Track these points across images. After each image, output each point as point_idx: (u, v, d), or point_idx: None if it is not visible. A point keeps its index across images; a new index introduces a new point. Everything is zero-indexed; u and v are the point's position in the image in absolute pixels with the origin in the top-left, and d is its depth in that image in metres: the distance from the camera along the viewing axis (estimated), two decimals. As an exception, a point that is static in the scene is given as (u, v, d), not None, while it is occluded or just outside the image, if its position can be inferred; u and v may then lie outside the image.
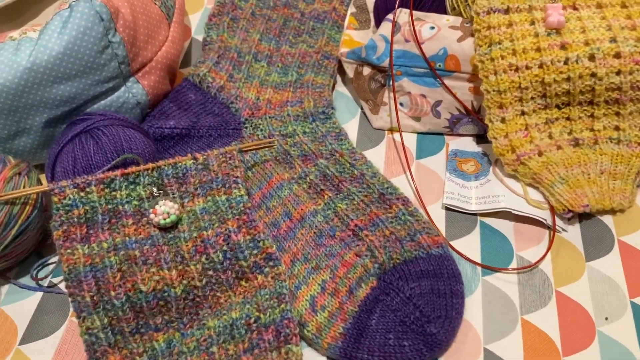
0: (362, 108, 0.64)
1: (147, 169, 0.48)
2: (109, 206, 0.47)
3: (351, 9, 0.70)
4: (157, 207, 0.46)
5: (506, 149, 0.54)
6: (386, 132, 0.62)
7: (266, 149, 0.56)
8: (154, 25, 0.58)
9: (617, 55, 0.51)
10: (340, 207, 0.51)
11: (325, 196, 0.52)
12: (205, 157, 0.49)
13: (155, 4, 0.59)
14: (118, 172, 0.47)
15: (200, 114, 0.60)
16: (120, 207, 0.47)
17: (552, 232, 0.51)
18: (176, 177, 0.49)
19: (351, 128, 0.63)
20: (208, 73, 0.62)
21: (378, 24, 0.66)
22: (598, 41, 0.51)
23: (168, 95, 0.61)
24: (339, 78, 0.67)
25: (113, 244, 0.45)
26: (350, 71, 0.63)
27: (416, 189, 0.56)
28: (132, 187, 0.48)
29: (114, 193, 0.47)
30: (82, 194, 0.46)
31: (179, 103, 0.61)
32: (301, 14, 0.71)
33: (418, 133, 0.61)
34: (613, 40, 0.51)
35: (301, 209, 0.51)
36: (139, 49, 0.56)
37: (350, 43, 0.65)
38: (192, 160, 0.49)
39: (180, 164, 0.49)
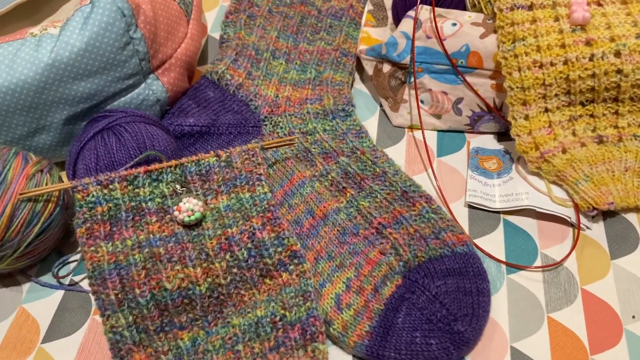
0: (381, 106, 0.64)
1: (170, 166, 0.48)
2: (132, 203, 0.46)
3: (368, 7, 0.69)
4: (180, 204, 0.46)
5: (530, 147, 0.53)
6: (406, 129, 0.61)
7: (287, 146, 0.55)
8: (173, 22, 0.57)
9: (644, 51, 0.50)
10: (363, 204, 0.51)
11: (348, 194, 0.52)
12: (228, 154, 0.49)
13: (175, 0, 0.59)
14: (141, 169, 0.47)
15: (219, 111, 0.60)
16: (144, 204, 0.46)
17: (576, 230, 0.51)
18: (199, 174, 0.48)
19: (370, 126, 0.62)
20: (226, 70, 0.62)
21: (397, 21, 0.65)
22: (624, 37, 0.51)
23: (187, 93, 0.61)
24: (357, 76, 0.67)
25: (137, 242, 0.45)
26: (369, 68, 0.63)
27: (438, 186, 0.55)
28: (155, 184, 0.47)
29: (137, 190, 0.47)
30: (105, 191, 0.46)
31: (198, 100, 0.60)
32: (318, 12, 0.71)
33: (439, 131, 0.61)
34: (639, 36, 0.51)
35: (323, 207, 0.51)
36: (159, 45, 0.55)
37: (368, 40, 0.65)
38: (215, 158, 0.49)
39: (203, 161, 0.48)
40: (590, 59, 0.51)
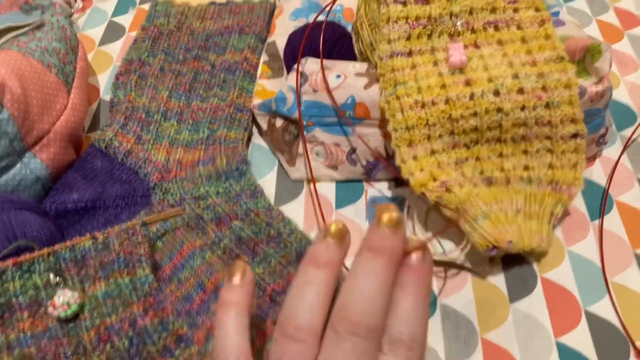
0: (279, 160, 0.62)
1: (43, 255, 0.45)
2: (1, 300, 0.43)
3: (264, 57, 0.69)
4: (55, 298, 0.43)
5: (427, 178, 0.52)
6: (305, 183, 0.60)
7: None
8: (49, 95, 0.55)
9: (521, 91, 0.51)
10: (256, 271, 0.49)
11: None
12: (105, 235, 0.46)
13: (50, 71, 0.56)
14: (9, 261, 0.44)
15: (107, 182, 0.57)
16: (14, 299, 0.44)
17: (474, 275, 0.51)
18: (74, 261, 0.46)
19: (269, 181, 0.61)
20: (114, 137, 0.60)
21: (289, 72, 0.65)
22: (501, 77, 0.51)
23: (73, 165, 0.58)
24: (255, 130, 0.66)
25: (6, 343, 0.42)
26: (263, 123, 0.62)
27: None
28: (26, 276, 0.44)
29: (6, 285, 0.44)
30: (-31, 291, 0.43)
31: (85, 172, 0.58)
32: (212, 66, 0.70)
33: (337, 182, 0.60)
34: (515, 76, 0.51)
35: (215, 279, 0.49)
36: (33, 122, 0.53)
37: (264, 93, 0.64)
38: (91, 241, 0.46)
39: (78, 245, 0.46)
40: (471, 98, 0.51)
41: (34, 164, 0.53)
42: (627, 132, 0.63)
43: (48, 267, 0.45)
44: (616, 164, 0.59)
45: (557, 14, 0.65)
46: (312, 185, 0.59)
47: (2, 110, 0.49)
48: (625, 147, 0.61)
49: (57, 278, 0.45)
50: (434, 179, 0.51)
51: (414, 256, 0.33)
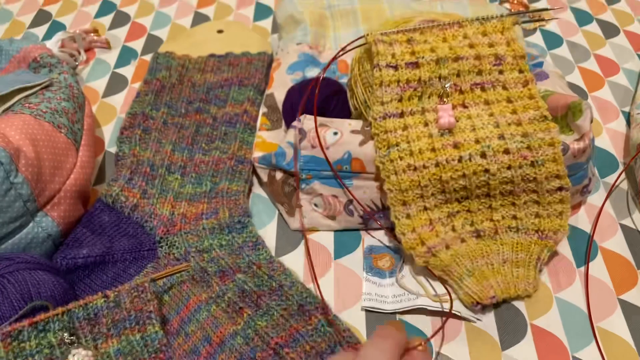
0: (279, 210, 0.65)
1: (57, 314, 0.47)
2: (18, 359, 0.45)
3: (262, 109, 0.72)
4: (70, 357, 0.45)
5: (416, 242, 0.56)
6: (304, 233, 0.63)
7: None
8: (60, 155, 0.58)
9: (506, 152, 0.54)
10: (260, 324, 0.51)
11: (245, 314, 0.52)
12: (116, 293, 0.49)
13: (61, 132, 0.59)
14: (26, 322, 0.46)
15: (114, 236, 0.60)
16: (30, 358, 0.46)
17: (468, 323, 0.53)
18: (87, 319, 0.48)
19: (270, 231, 0.63)
20: (121, 192, 0.62)
21: (287, 126, 0.68)
22: (487, 139, 0.54)
23: (81, 220, 0.61)
24: (255, 180, 0.69)
25: (23, 402, 0.44)
26: (263, 175, 0.65)
27: (320, 293, 0.56)
28: (42, 335, 0.47)
29: (22, 345, 0.46)
30: (-13, 351, 0.45)
31: (93, 227, 0.60)
32: (213, 119, 0.73)
33: (335, 231, 0.63)
34: (501, 137, 0.55)
35: (220, 332, 0.51)
36: (45, 183, 0.55)
37: (263, 145, 0.67)
38: (103, 299, 0.48)
39: (91, 304, 0.48)
40: (459, 161, 0.54)
41: (46, 223, 0.56)
42: (610, 179, 0.66)
43: (62, 326, 0.47)
44: (600, 211, 0.63)
45: (540, 64, 0.69)
46: (314, 234, 0.62)
47: (17, 175, 0.52)
48: (608, 195, 0.64)
49: (71, 337, 0.47)
50: (422, 243, 0.54)
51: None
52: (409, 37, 0.57)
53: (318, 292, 0.56)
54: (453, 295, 0.55)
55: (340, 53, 0.62)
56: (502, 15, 0.59)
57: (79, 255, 0.57)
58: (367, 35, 0.58)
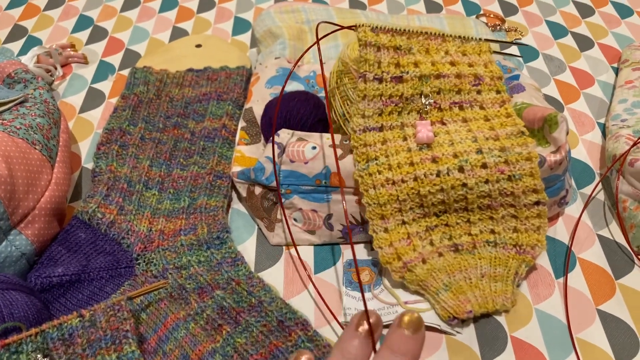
0: (258, 225, 0.65)
1: (30, 335, 0.46)
2: (-10, 383, 0.44)
3: (241, 124, 0.71)
4: (42, 379, 0.44)
5: (392, 257, 0.56)
6: (284, 248, 0.63)
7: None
8: (34, 173, 0.57)
9: (484, 166, 0.54)
10: (239, 341, 0.51)
11: (224, 331, 0.52)
12: (92, 313, 0.48)
13: (35, 148, 0.58)
14: (-3, 344, 0.45)
15: (90, 254, 0.59)
16: (2, 382, 0.44)
17: (447, 336, 0.53)
18: (62, 339, 0.47)
19: (249, 246, 0.63)
20: (97, 209, 0.62)
21: (266, 140, 0.67)
22: (465, 153, 0.55)
23: (57, 238, 0.60)
24: (235, 195, 0.68)
25: None
26: (242, 190, 0.64)
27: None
28: (14, 357, 0.45)
29: (-6, 367, 0.45)
30: (-43, 375, 0.43)
31: (69, 245, 0.59)
32: (191, 134, 0.72)
33: (315, 245, 0.63)
34: (479, 151, 0.55)
35: (199, 350, 0.50)
36: (19, 200, 0.54)
37: (242, 160, 0.67)
38: (78, 319, 0.47)
39: (65, 324, 0.47)
40: (437, 175, 0.55)
41: (19, 241, 0.55)
42: (587, 189, 0.67)
43: (36, 347, 0.46)
44: (577, 222, 0.63)
45: (517, 77, 0.70)
46: (293, 249, 0.62)
47: (-11, 192, 0.51)
48: (585, 206, 0.65)
49: (45, 358, 0.46)
50: (399, 258, 0.54)
51: None
52: (395, 44, 0.57)
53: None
54: (429, 307, 0.54)
55: (320, 38, 0.59)
56: (480, 39, 0.60)
57: (54, 274, 0.55)
58: (359, 26, 0.57)
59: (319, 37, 0.58)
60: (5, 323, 0.47)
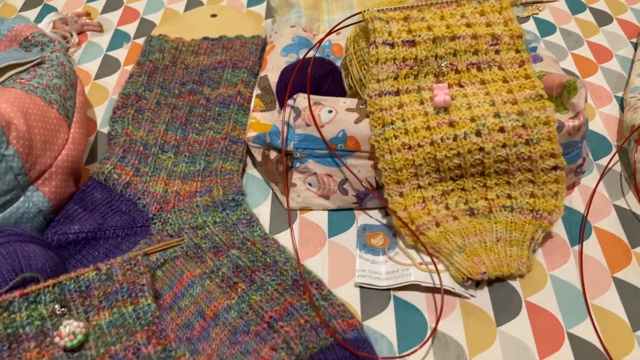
0: (273, 190, 0.65)
1: (48, 286, 0.47)
2: (9, 330, 0.45)
3: (256, 91, 0.71)
4: (61, 328, 0.44)
5: (406, 221, 0.55)
6: (298, 212, 0.63)
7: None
8: (51, 130, 0.57)
9: (502, 130, 0.54)
10: (254, 299, 0.51)
11: (239, 289, 0.52)
12: (108, 266, 0.48)
13: (52, 107, 0.58)
14: (16, 293, 0.45)
15: (107, 213, 0.59)
16: (21, 330, 0.45)
17: (462, 300, 0.53)
18: (79, 291, 0.47)
19: (264, 211, 0.63)
20: (113, 170, 0.62)
21: (282, 106, 0.67)
22: (483, 117, 0.54)
23: (73, 197, 0.60)
24: (249, 161, 0.68)
25: (14, 373, 0.43)
26: (258, 155, 0.64)
27: (301, 274, 0.56)
28: (32, 306, 0.46)
29: (13, 316, 0.45)
30: (-23, 322, 0.44)
31: (85, 204, 0.59)
32: (207, 100, 0.72)
33: (329, 210, 0.63)
34: (497, 115, 0.54)
35: (214, 306, 0.51)
36: (37, 157, 0.55)
37: (257, 126, 0.67)
38: (95, 272, 0.48)
39: (82, 276, 0.48)
40: (454, 139, 0.54)
41: (37, 197, 0.55)
42: (603, 161, 0.67)
43: (53, 298, 0.47)
44: (593, 192, 0.63)
45: (534, 49, 0.69)
46: (307, 214, 0.62)
47: (8, 147, 0.51)
48: (601, 176, 0.64)
49: (62, 308, 0.46)
50: (412, 222, 0.54)
51: None
52: (405, 14, 0.57)
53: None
54: (445, 269, 0.54)
55: (336, 28, 0.61)
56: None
57: (70, 231, 0.56)
58: (364, 11, 0.58)
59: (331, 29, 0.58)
60: (23, 274, 0.47)
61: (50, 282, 0.47)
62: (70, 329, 0.44)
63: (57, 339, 0.44)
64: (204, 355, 0.48)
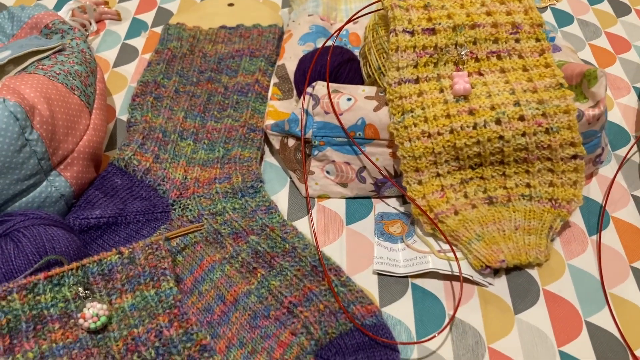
0: (291, 178, 0.65)
1: (72, 269, 0.47)
2: (34, 312, 0.45)
3: (274, 80, 0.71)
4: (85, 310, 0.45)
5: (424, 209, 0.56)
6: (316, 199, 0.63)
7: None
8: (73, 116, 0.57)
9: (522, 118, 0.54)
10: (273, 284, 0.51)
11: (258, 274, 0.52)
12: (131, 250, 0.49)
13: (74, 94, 0.59)
14: (41, 275, 0.46)
15: (127, 199, 0.60)
16: (46, 311, 0.46)
17: (480, 288, 0.53)
18: (102, 274, 0.48)
19: (282, 198, 0.63)
20: (133, 156, 0.62)
21: (299, 95, 0.68)
22: (503, 105, 0.54)
23: (94, 183, 0.61)
24: (267, 149, 0.68)
25: (39, 353, 0.44)
26: (276, 143, 0.65)
27: (321, 260, 0.57)
28: (57, 289, 0.47)
29: (38, 297, 0.46)
30: (3, 303, 0.45)
31: (105, 190, 0.60)
32: (225, 88, 0.72)
33: (346, 198, 0.63)
34: (517, 103, 0.54)
35: (234, 291, 0.51)
36: (59, 142, 0.55)
37: (275, 114, 0.67)
38: (117, 255, 0.49)
39: (105, 260, 0.48)
40: (474, 128, 0.54)
41: (59, 182, 0.56)
42: (622, 151, 0.66)
43: (77, 280, 0.47)
44: (612, 182, 0.63)
45: (552, 39, 0.69)
46: (325, 201, 0.62)
47: (32, 132, 0.52)
48: (620, 166, 0.64)
49: (86, 291, 0.47)
50: (430, 210, 0.54)
51: None
52: (425, 2, 0.57)
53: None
54: (463, 257, 0.55)
55: (356, 16, 0.61)
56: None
57: (91, 216, 0.57)
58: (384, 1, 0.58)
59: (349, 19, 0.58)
60: (47, 256, 0.48)
61: (74, 265, 0.47)
62: (93, 311, 0.45)
63: (80, 321, 0.45)
64: (224, 338, 0.49)
